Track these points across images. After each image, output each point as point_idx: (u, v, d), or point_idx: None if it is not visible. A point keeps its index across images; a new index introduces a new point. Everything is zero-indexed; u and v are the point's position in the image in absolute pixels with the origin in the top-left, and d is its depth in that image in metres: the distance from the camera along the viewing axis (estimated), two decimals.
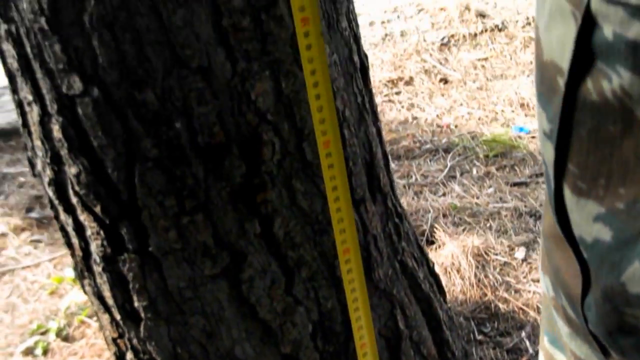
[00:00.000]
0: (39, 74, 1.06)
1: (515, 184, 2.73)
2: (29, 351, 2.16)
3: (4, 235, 2.83)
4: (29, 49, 1.05)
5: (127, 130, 1.05)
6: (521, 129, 3.12)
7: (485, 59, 3.90)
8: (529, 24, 4.20)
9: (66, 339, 2.18)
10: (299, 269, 1.20)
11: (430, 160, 2.99)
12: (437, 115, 3.38)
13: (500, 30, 4.17)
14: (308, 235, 1.19)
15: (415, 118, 3.38)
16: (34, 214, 2.95)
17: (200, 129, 1.05)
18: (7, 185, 3.22)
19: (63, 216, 1.20)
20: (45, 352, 2.13)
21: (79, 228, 1.18)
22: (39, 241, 2.78)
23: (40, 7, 0.99)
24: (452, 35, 4.16)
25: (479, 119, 3.30)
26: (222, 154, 1.08)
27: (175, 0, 0.98)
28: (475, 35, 4.14)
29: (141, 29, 0.99)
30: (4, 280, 2.57)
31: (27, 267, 2.62)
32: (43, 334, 2.22)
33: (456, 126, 3.27)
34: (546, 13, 0.59)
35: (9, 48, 1.09)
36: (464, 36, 4.14)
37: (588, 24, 0.53)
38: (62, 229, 1.25)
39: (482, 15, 4.32)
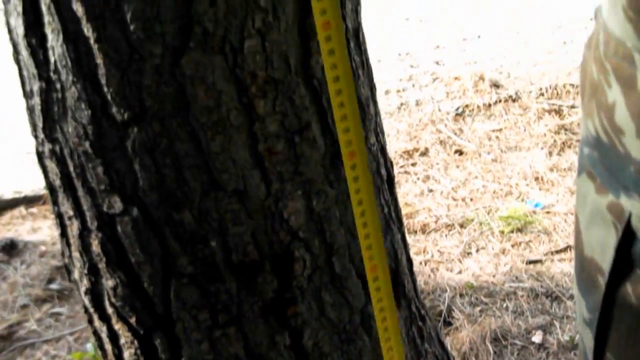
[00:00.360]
0: (80, 192, 1.11)
1: (531, 262, 2.74)
2: None
3: (25, 306, 2.86)
4: (71, 168, 1.10)
5: (164, 248, 1.09)
6: (536, 205, 3.15)
7: (500, 130, 3.94)
8: (542, 94, 4.25)
9: None
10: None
11: (446, 235, 3.01)
12: (453, 188, 3.41)
13: (514, 100, 4.23)
14: (336, 345, 1.22)
15: (431, 190, 3.41)
16: (54, 285, 2.98)
17: (234, 247, 1.09)
18: (29, 254, 3.26)
19: (97, 323, 1.23)
20: None
21: (113, 336, 1.21)
22: (59, 314, 2.81)
23: (85, 132, 1.04)
24: (467, 105, 4.22)
25: (494, 192, 3.33)
26: (255, 271, 1.11)
27: (214, 127, 1.03)
28: (490, 105, 4.20)
29: (181, 155, 1.03)
30: (25, 355, 2.59)
31: (49, 340, 2.64)
32: None
33: (471, 199, 3.29)
34: (587, 212, 0.62)
35: (52, 166, 1.13)
36: (478, 106, 4.20)
37: (628, 237, 0.56)
38: (95, 334, 1.28)
39: (496, 85, 4.39)
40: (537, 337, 2.26)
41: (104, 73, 1.00)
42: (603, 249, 0.59)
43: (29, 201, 3.65)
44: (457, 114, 4.16)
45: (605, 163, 0.59)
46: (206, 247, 1.08)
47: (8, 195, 3.66)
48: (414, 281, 1.45)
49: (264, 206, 1.09)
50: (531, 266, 2.71)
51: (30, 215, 3.60)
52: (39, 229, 3.47)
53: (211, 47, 1.00)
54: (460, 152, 3.77)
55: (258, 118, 1.05)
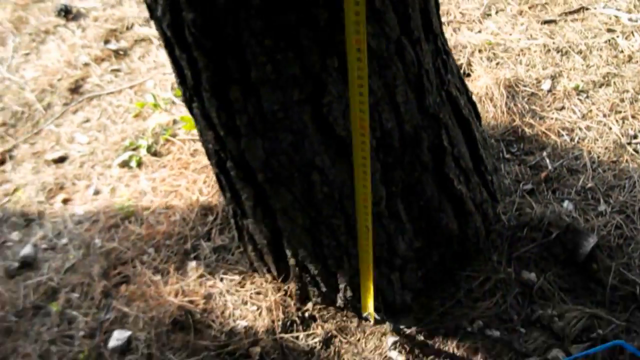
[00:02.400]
0: None
1: (545, 22, 2.89)
2: (124, 164, 2.47)
3: (87, 65, 3.09)
4: None
5: None
6: None
7: None
8: None
9: (155, 154, 2.49)
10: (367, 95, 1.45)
11: None
12: None
13: None
14: (374, 69, 1.43)
15: None
16: (111, 46, 3.19)
17: None
18: (83, 19, 3.44)
19: (178, 52, 1.44)
20: (138, 164, 2.45)
21: (192, 62, 1.43)
22: (118, 70, 3.04)
23: None
24: None
25: None
26: (311, 3, 1.30)
27: None
28: None
29: None
30: (92, 104, 2.86)
31: (111, 93, 2.90)
32: (134, 149, 2.53)
33: None
34: None
35: None
36: None
37: None
38: (175, 62, 1.49)
39: None
40: (545, 85, 2.47)
41: None
42: None
43: None
44: None
45: None
46: None
47: None
48: (440, 22, 1.63)
49: None
50: (545, 26, 2.86)
51: None
52: None
53: None
54: None
55: None
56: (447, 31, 2.89)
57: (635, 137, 2.20)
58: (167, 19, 1.39)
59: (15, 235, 2.30)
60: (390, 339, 1.71)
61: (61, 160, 2.59)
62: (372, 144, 1.51)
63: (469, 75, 2.60)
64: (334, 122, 1.45)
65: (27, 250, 2.20)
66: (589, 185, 2.03)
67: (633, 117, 2.28)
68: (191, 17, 1.33)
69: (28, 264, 2.15)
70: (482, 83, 2.44)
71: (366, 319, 1.76)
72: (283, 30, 1.32)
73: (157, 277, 1.97)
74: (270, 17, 1.30)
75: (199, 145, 2.44)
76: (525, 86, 2.47)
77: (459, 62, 2.65)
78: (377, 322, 1.75)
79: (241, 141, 1.51)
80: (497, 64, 2.62)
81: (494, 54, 2.69)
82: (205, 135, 1.60)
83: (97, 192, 2.39)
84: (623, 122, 2.27)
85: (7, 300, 2.04)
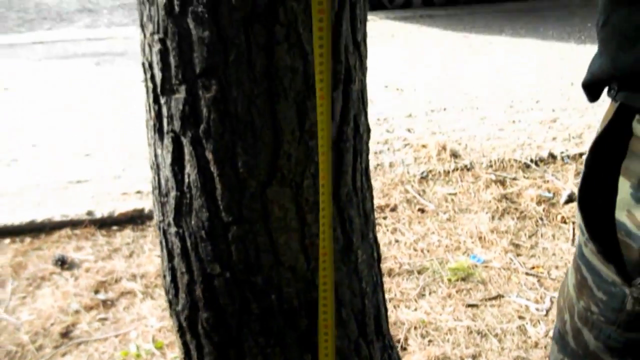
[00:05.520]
0: (192, 259, 1.69)
1: (469, 305, 3.36)
2: None
3: (77, 312, 3.40)
4: (189, 244, 1.68)
5: (242, 297, 1.67)
6: (478, 260, 3.77)
7: (455, 194, 4.56)
8: (491, 166, 4.89)
9: None
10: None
11: (407, 279, 3.62)
12: (414, 241, 4.03)
13: (468, 169, 4.86)
14: None
15: (397, 241, 4.02)
16: (100, 296, 3.53)
17: (285, 299, 1.68)
18: (76, 269, 3.80)
19: (189, 338, 1.81)
20: None
21: (200, 347, 1.79)
22: (105, 319, 3.35)
23: (202, 225, 1.63)
24: (430, 171, 4.84)
25: (446, 246, 3.95)
26: (296, 314, 1.70)
27: (281, 229, 1.62)
28: (448, 172, 4.82)
29: (260, 243, 1.63)
30: (80, 349, 3.13)
31: (98, 340, 3.19)
32: None
33: (428, 251, 3.91)
34: None
35: (174, 240, 1.72)
36: (439, 172, 4.82)
37: None
38: (185, 344, 1.85)
39: (455, 155, 5.02)
40: None
41: (219, 194, 1.59)
42: None
43: (74, 224, 4.18)
44: (422, 177, 4.77)
45: None
46: (268, 298, 1.67)
47: (57, 217, 4.19)
48: (387, 323, 2.05)
49: (305, 276, 1.68)
50: (469, 309, 3.33)
51: (75, 235, 4.14)
52: (83, 248, 4.01)
53: (285, 183, 1.60)
54: (422, 210, 4.38)
55: (307, 224, 1.65)
56: (389, 307, 3.33)
57: None
58: (185, 314, 1.77)
59: None
60: None
61: None
62: None
63: (405, 349, 2.99)
64: None
65: None
66: None
67: None
68: (205, 316, 1.72)
69: None
70: (415, 359, 2.83)
71: None
72: (273, 332, 1.71)
73: None
74: (266, 321, 1.70)
75: None
76: None
77: (397, 338, 3.05)
78: None
79: None
80: (430, 341, 3.04)
81: (427, 331, 3.12)
82: None
83: None
84: None
85: None
